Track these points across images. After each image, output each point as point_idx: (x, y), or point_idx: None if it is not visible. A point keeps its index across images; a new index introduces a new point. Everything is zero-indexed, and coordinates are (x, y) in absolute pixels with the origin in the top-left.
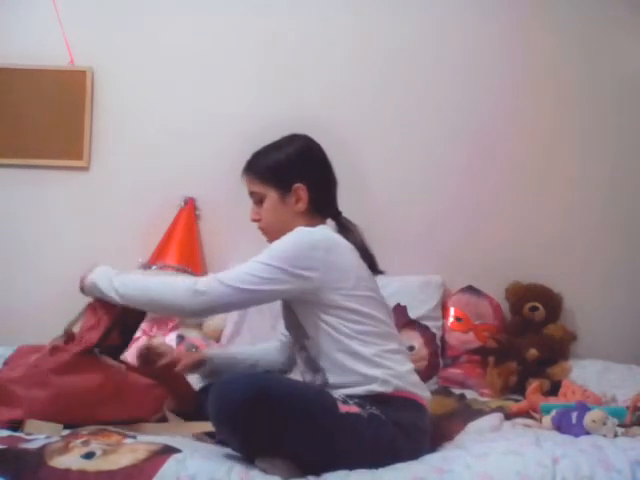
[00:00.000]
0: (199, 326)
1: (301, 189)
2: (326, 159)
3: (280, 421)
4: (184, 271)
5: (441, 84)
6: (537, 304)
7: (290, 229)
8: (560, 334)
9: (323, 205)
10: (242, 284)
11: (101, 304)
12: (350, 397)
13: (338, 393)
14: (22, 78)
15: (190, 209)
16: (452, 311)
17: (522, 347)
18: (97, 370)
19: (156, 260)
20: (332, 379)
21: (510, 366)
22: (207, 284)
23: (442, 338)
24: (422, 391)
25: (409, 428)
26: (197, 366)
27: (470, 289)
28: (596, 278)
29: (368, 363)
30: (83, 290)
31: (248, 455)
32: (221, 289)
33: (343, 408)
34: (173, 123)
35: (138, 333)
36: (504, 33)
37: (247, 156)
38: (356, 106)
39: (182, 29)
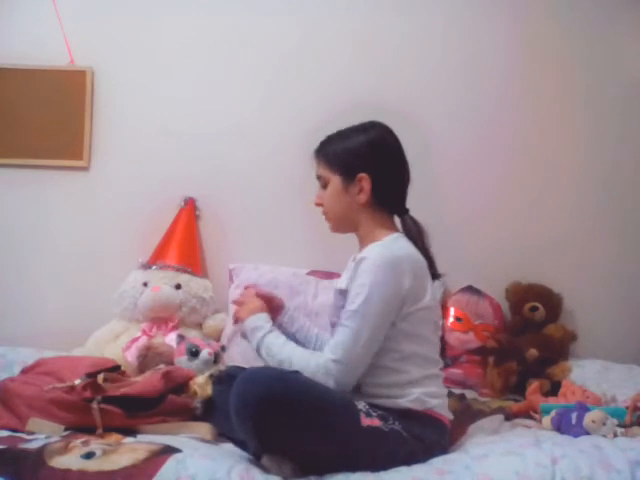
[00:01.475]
0: (199, 326)
1: (365, 179)
2: (400, 153)
3: (300, 423)
4: (184, 271)
5: (442, 84)
6: (537, 304)
7: (352, 220)
8: (560, 334)
9: (388, 200)
10: (359, 353)
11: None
12: (374, 407)
13: (363, 403)
14: (22, 78)
15: (190, 209)
16: (452, 311)
17: (522, 347)
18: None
19: (156, 260)
20: (367, 389)
21: (510, 366)
22: (335, 371)
23: (442, 338)
24: (447, 413)
25: (429, 444)
26: (276, 307)
27: (470, 289)
28: (596, 278)
29: (409, 384)
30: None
31: (259, 450)
32: (348, 368)
33: (365, 421)
34: (173, 123)
35: (138, 333)
36: (505, 34)
37: (247, 156)
38: (357, 106)
39: (182, 29)
